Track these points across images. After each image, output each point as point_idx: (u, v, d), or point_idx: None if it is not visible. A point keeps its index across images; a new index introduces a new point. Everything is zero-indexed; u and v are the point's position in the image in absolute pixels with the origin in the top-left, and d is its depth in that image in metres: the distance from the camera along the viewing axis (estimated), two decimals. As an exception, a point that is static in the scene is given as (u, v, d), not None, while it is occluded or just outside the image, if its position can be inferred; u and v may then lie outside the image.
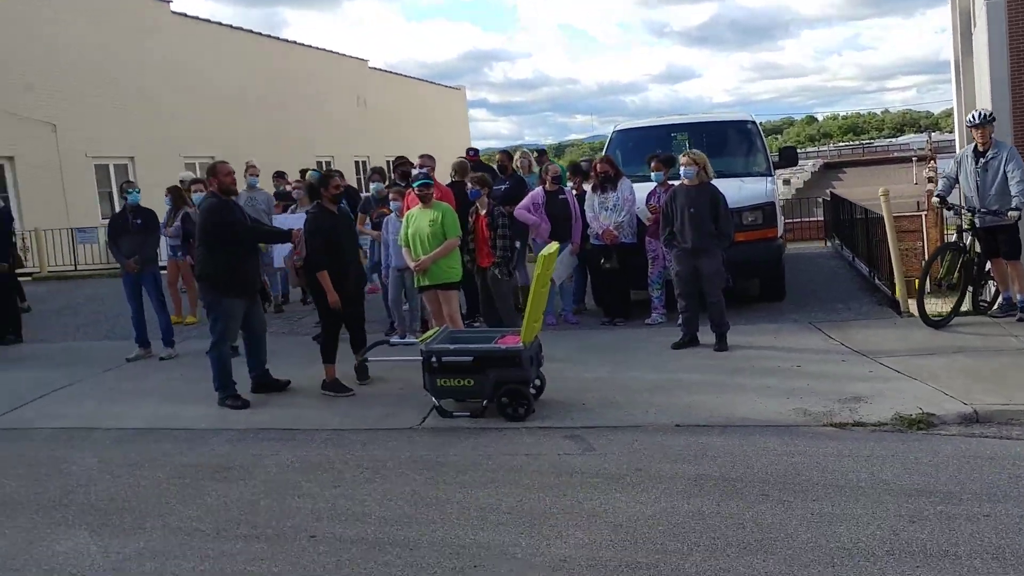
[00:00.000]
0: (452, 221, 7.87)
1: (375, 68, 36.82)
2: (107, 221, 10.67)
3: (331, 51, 33.88)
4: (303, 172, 12.75)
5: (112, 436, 6.82)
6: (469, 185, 8.35)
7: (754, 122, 11.06)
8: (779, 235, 9.84)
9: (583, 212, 9.46)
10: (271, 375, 7.77)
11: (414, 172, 9.02)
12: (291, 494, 5.21)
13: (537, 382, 6.90)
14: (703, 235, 7.82)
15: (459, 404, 6.77)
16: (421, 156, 9.68)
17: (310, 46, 32.56)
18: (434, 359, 6.64)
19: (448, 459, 5.74)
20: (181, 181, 12.55)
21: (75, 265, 18.70)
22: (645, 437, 5.91)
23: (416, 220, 7.95)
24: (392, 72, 39.42)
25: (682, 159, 8.04)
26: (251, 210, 10.23)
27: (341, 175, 7.81)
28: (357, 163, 33.13)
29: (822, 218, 17.43)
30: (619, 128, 11.40)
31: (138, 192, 9.73)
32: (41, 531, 4.85)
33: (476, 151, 12.14)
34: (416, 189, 8.05)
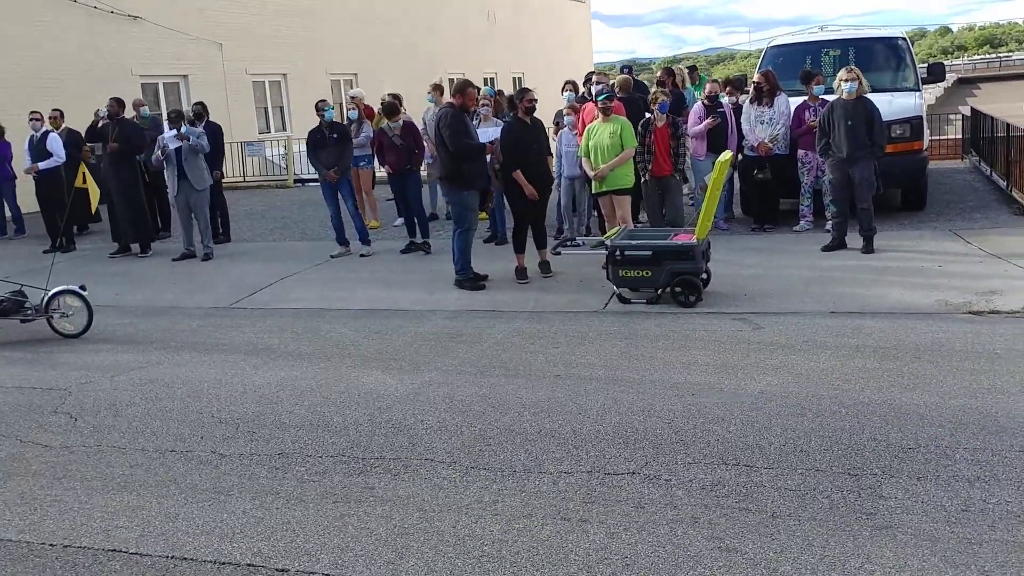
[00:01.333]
0: (630, 133, 8.88)
1: (503, -17, 37.31)
2: (262, 135, 12.03)
3: (462, -34, 34.57)
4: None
5: (346, 314, 8.19)
6: (654, 98, 9.23)
7: (904, 38, 11.61)
8: (924, 148, 10.51)
9: (738, 124, 10.33)
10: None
11: (594, 88, 10.01)
12: (522, 351, 6.48)
13: (704, 276, 7.95)
14: (858, 145, 8.65)
15: (635, 293, 7.91)
16: (596, 73, 10.66)
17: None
18: (618, 253, 7.76)
19: (638, 332, 6.89)
20: (352, 98, 13.93)
21: (243, 176, 20.44)
22: (804, 320, 6.92)
23: (597, 132, 8.98)
24: (519, -14, 39.81)
25: (844, 74, 8.81)
26: (430, 125, 11.63)
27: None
28: (485, 79, 34.02)
29: (955, 136, 17.63)
30: (773, 44, 12.11)
31: (332, 109, 11.03)
32: (343, 371, 6.24)
33: (630, 68, 13.01)
34: (599, 103, 9.08)
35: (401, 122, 11.23)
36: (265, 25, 23.23)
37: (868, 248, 8.90)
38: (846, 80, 8.71)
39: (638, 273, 7.76)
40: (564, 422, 4.90)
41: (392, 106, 11.43)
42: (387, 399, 5.52)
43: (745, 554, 3.34)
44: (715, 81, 10.98)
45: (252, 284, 9.66)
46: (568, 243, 8.72)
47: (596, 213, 10.23)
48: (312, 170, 20.24)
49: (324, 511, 3.92)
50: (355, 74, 26.98)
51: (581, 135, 9.73)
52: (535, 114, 8.85)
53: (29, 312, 7.75)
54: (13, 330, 7.83)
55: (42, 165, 12.67)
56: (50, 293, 7.68)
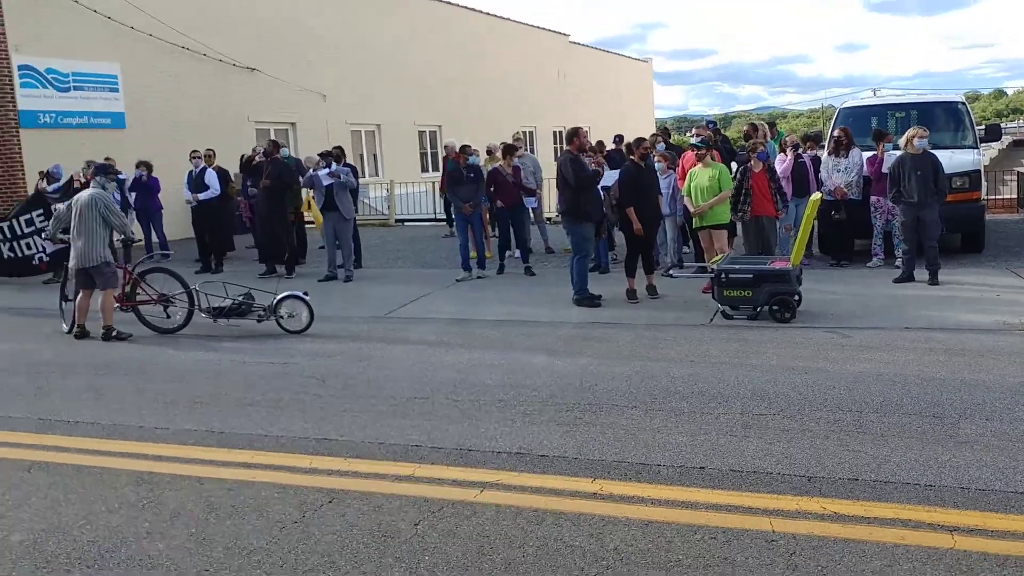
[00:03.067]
0: (727, 177, 10.49)
1: (574, 43, 39.47)
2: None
3: (535, 26, 36.76)
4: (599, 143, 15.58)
5: (487, 323, 9.76)
6: (753, 147, 10.81)
7: (963, 103, 13.16)
8: (982, 198, 11.96)
9: (817, 173, 11.90)
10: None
11: (692, 140, 11.66)
12: (654, 347, 8.01)
13: (797, 297, 9.43)
14: (926, 192, 10.15)
15: (735, 311, 9.41)
16: (698, 127, 12.31)
17: (518, 21, 35.53)
18: (723, 275, 9.30)
19: (746, 338, 8.39)
20: (446, 147, 15.86)
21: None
22: (884, 332, 8.36)
23: (697, 176, 10.59)
24: (588, 46, 41.98)
25: (918, 131, 10.35)
26: (522, 168, 13.57)
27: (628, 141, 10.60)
28: (554, 133, 36.02)
29: (1011, 195, 19.03)
30: (846, 105, 13.74)
31: (476, 155, 12.84)
32: (514, 355, 7.82)
33: (714, 122, 14.67)
34: (695, 151, 10.70)
35: (513, 163, 13.05)
36: (362, 80, 25.32)
37: (934, 280, 10.32)
38: (919, 137, 10.24)
39: (740, 293, 9.27)
40: (708, 386, 6.43)
41: (511, 147, 13.25)
42: (562, 372, 7.09)
43: (866, 453, 4.83)
44: (793, 134, 12.58)
45: (396, 301, 11.29)
46: (675, 266, 10.30)
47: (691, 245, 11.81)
48: (412, 210, 22.26)
49: (552, 429, 5.46)
50: (439, 126, 29.09)
51: (681, 180, 11.38)
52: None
53: (261, 313, 9.39)
54: (246, 327, 9.53)
55: (201, 196, 14.59)
56: (278, 297, 9.35)
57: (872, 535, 3.75)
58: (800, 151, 12.09)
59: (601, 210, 10.70)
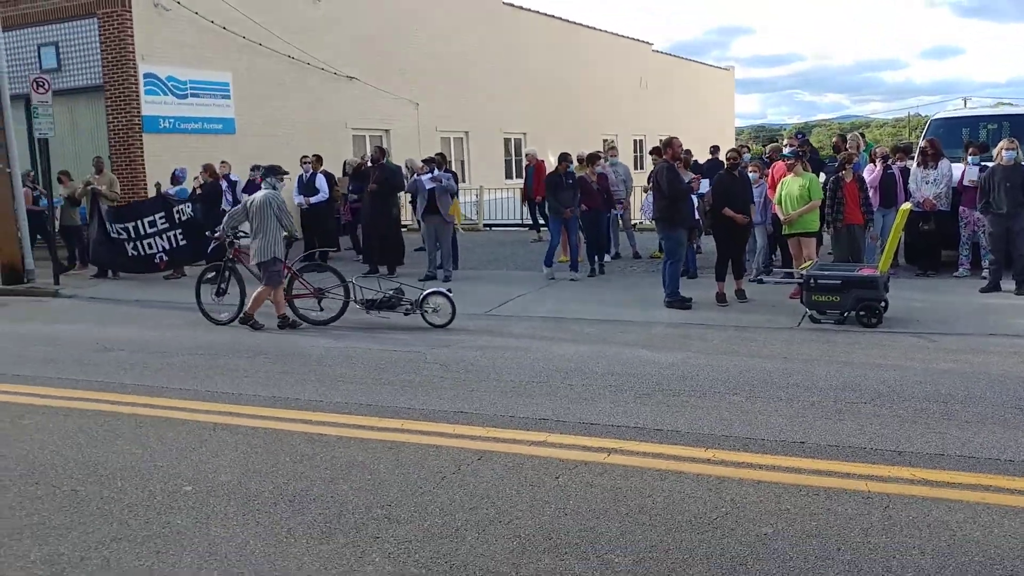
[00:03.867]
0: (816, 187, 11.00)
1: (657, 51, 39.94)
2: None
3: (618, 34, 37.33)
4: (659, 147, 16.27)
5: (584, 322, 10.40)
6: (847, 157, 11.30)
7: (1058, 114, 13.43)
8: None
9: (906, 184, 12.29)
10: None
11: (786, 150, 12.19)
12: (747, 345, 8.60)
13: (883, 303, 9.89)
14: (1015, 203, 10.52)
15: (823, 315, 9.91)
16: (789, 137, 12.84)
17: (601, 30, 36.12)
18: (812, 281, 9.82)
19: (834, 340, 8.91)
20: (527, 155, 16.60)
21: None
22: (970, 338, 8.78)
23: (788, 185, 11.12)
24: (670, 54, 42.37)
25: (1007, 144, 10.72)
26: (614, 176, 14.30)
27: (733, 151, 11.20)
28: (635, 141, 36.53)
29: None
30: (936, 117, 14.10)
31: (574, 164, 13.58)
32: (616, 349, 8.50)
33: (803, 133, 15.12)
34: (786, 161, 11.24)
35: (598, 170, 13.79)
36: (452, 88, 26.23)
37: (1020, 291, 10.66)
38: (1008, 149, 10.62)
39: (828, 298, 9.77)
40: (802, 379, 7.02)
41: (594, 155, 14.01)
42: (664, 363, 7.75)
43: (951, 435, 5.39)
44: (881, 145, 12.99)
45: (495, 300, 12.02)
46: (766, 271, 10.85)
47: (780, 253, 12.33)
48: (498, 216, 23.07)
49: (663, 410, 6.12)
50: (524, 133, 29.91)
51: (771, 189, 11.91)
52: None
53: (409, 307, 10.16)
54: (373, 322, 10.41)
55: (313, 200, 15.59)
56: (425, 293, 10.14)
57: (957, 496, 4.34)
58: (889, 162, 12.51)
59: (693, 217, 11.30)
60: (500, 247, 18.19)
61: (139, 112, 17.97)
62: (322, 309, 10.47)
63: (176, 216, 14.85)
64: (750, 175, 12.22)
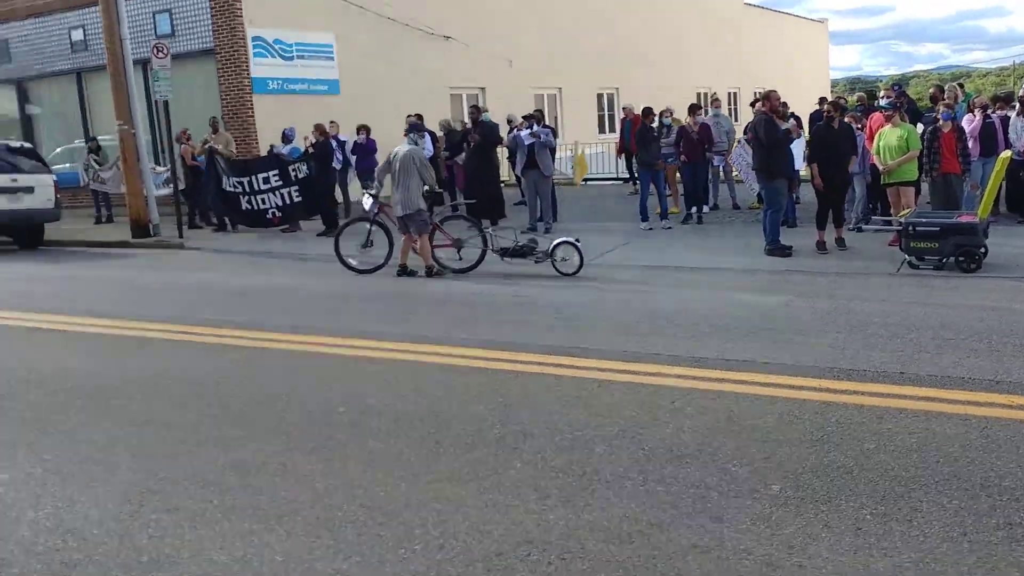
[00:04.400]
0: (915, 137, 11.07)
1: (749, 4, 39.30)
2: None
3: (713, -12, 36.87)
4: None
5: (685, 269, 10.73)
6: (941, 109, 11.38)
7: None
8: None
9: (1006, 134, 12.22)
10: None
11: (883, 101, 12.25)
12: (848, 288, 8.87)
13: (983, 249, 9.99)
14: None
15: (921, 262, 10.07)
16: (886, 89, 12.86)
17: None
18: (911, 228, 9.97)
19: (932, 285, 9.09)
20: (624, 109, 16.86)
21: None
22: (1073, 283, 8.90)
23: (886, 136, 11.21)
24: (762, 7, 41.60)
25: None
26: (716, 127, 14.51)
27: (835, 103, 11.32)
28: (729, 94, 36.15)
29: None
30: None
31: (668, 116, 13.87)
32: (722, 293, 8.88)
33: (900, 85, 15.03)
34: (884, 112, 11.33)
35: (700, 122, 14.05)
36: (544, 45, 26.46)
37: (1126, 237, 10.61)
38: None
39: (927, 245, 9.93)
40: (901, 319, 7.31)
41: (695, 106, 14.31)
42: (767, 306, 8.11)
43: (1050, 369, 5.67)
44: (981, 94, 12.89)
45: (597, 249, 12.34)
46: (864, 219, 11.03)
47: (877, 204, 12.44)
48: (592, 170, 23.36)
49: (769, 345, 6.51)
50: (616, 88, 30.02)
51: (869, 140, 12.00)
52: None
53: (540, 255, 10.63)
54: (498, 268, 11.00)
55: (414, 157, 16.22)
56: (555, 242, 10.58)
57: (1055, 419, 4.67)
58: (989, 111, 12.43)
59: (792, 167, 11.50)
60: (597, 200, 18.56)
61: (249, 74, 18.83)
62: (461, 258, 11.00)
63: (292, 174, 15.56)
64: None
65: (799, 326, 7.20)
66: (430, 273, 10.79)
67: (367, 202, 11.34)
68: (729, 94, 35.93)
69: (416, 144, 10.97)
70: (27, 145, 17.55)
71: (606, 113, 30.04)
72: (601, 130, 29.21)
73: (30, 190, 15.99)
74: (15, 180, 15.85)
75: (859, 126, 12.05)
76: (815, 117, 14.34)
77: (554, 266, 10.52)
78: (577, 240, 10.63)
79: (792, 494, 3.93)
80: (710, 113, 15.79)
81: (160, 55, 15.72)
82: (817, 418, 4.89)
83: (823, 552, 3.42)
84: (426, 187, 10.78)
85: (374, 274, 10.94)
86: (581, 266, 10.41)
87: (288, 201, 15.72)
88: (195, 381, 6.27)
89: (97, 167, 19.08)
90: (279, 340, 7.43)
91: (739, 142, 14.05)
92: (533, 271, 10.58)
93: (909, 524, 3.61)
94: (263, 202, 15.95)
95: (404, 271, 10.86)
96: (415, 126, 11.41)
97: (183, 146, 17.12)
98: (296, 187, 15.57)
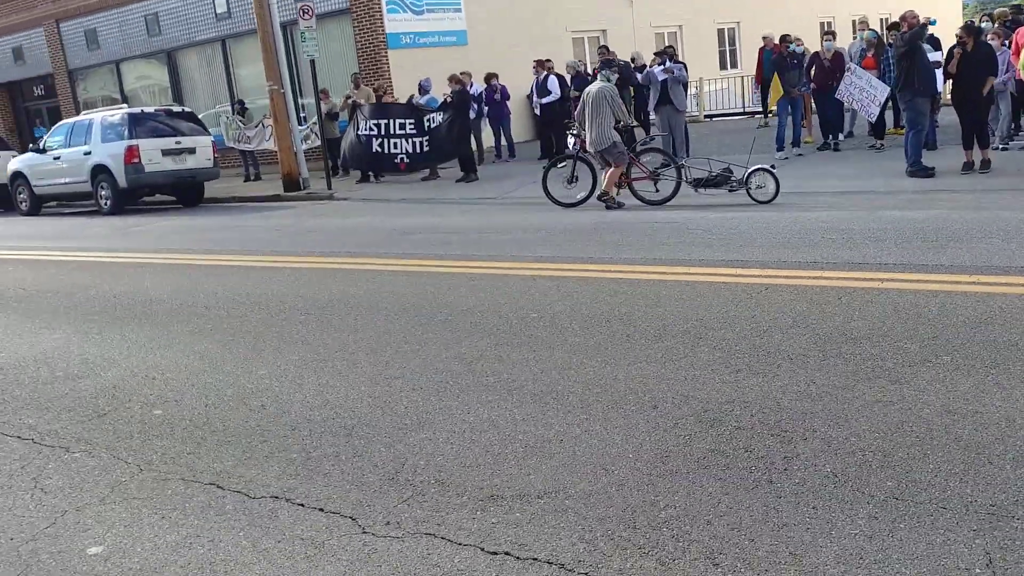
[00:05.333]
0: (1065, 48, 10.98)
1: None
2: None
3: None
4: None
5: (825, 195, 10.93)
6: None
7: None
8: None
9: None
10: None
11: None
12: (996, 202, 9.03)
13: None
14: None
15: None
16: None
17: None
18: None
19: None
20: (764, 38, 16.86)
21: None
22: None
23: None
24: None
25: None
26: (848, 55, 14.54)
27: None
28: (853, 21, 35.07)
29: None
30: None
31: (799, 43, 13.98)
32: (875, 212, 9.17)
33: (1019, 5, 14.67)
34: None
35: (833, 50, 14.09)
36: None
37: None
38: None
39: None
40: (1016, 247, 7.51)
41: (831, 33, 14.35)
42: (916, 220, 8.39)
43: None
44: None
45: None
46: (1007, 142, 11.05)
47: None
48: (717, 106, 23.41)
49: (925, 251, 6.85)
50: (737, 22, 29.69)
51: (1015, 56, 11.89)
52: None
53: (734, 184, 10.67)
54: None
55: (544, 100, 16.75)
56: (749, 170, 10.55)
57: None
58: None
59: (935, 86, 11.54)
60: (726, 135, 18.71)
61: (383, 30, 19.66)
62: (657, 190, 11.18)
63: (426, 124, 16.30)
64: (991, 43, 12.23)
65: (952, 234, 7.49)
66: (606, 201, 11.01)
67: (570, 140, 11.81)
68: (852, 21, 34.85)
69: (609, 80, 11.30)
70: (187, 109, 18.87)
71: (727, 48, 29.77)
72: (723, 66, 28.99)
73: (192, 151, 17.30)
74: (179, 142, 17.17)
75: (1006, 41, 11.93)
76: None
77: (748, 193, 10.49)
78: (772, 167, 10.70)
79: (962, 363, 4.39)
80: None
81: (306, 16, 16.65)
82: (979, 305, 5.29)
83: (996, 403, 3.88)
84: (621, 123, 11.15)
85: (603, 206, 11.13)
86: (777, 193, 10.35)
87: (419, 150, 16.42)
88: (396, 298, 7.07)
89: (243, 127, 20.32)
90: (458, 266, 8.18)
91: (849, 69, 13.87)
92: (727, 200, 10.71)
93: (1076, 382, 4.03)
94: (395, 147, 16.63)
95: (604, 197, 11.14)
96: (607, 62, 11.86)
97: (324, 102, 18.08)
98: (427, 136, 16.25)
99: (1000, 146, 12.08)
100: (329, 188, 17.06)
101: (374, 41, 19.76)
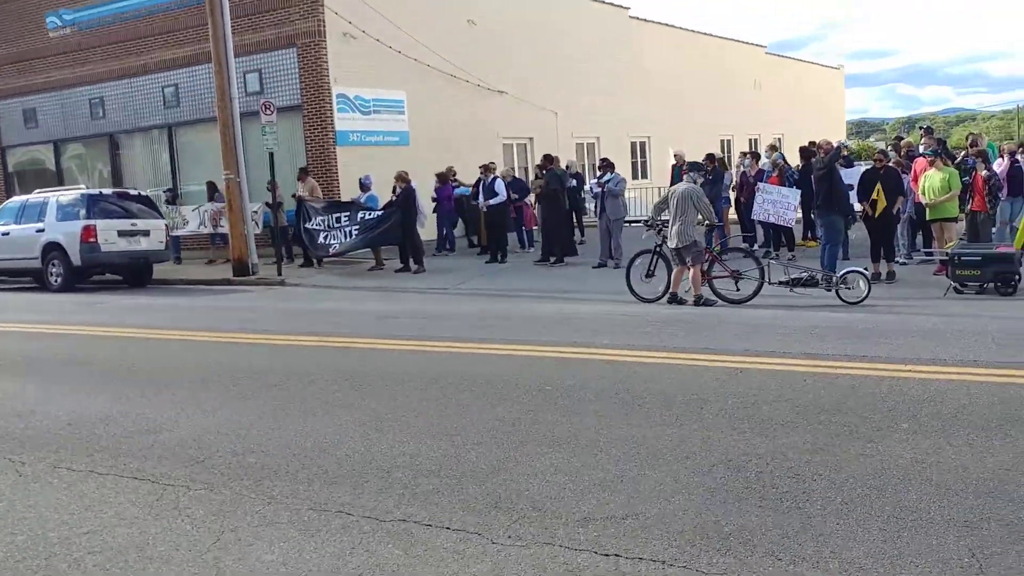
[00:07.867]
0: (956, 179, 12.87)
1: (770, 53, 41.47)
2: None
3: (733, 39, 39.06)
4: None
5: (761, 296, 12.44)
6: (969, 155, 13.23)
7: None
8: None
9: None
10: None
11: (922, 148, 14.09)
12: (904, 307, 10.56)
13: (1018, 276, 11.69)
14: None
15: (964, 288, 11.77)
16: (927, 137, 14.71)
17: (719, 36, 37.89)
18: (956, 258, 11.71)
19: (976, 303, 10.80)
20: (676, 156, 18.69)
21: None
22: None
23: (930, 178, 13.00)
24: (782, 56, 43.80)
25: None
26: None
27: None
28: (750, 140, 38.07)
29: None
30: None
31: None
32: (796, 312, 10.57)
33: (931, 128, 16.87)
34: (927, 158, 13.14)
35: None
36: (585, 96, 28.35)
37: None
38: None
39: (971, 272, 11.67)
40: (963, 326, 9.00)
41: (754, 153, 16.26)
42: (845, 320, 9.79)
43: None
44: (1011, 142, 14.70)
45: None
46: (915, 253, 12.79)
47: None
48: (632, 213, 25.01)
49: (850, 343, 8.18)
50: (648, 137, 32.02)
51: (913, 182, 13.80)
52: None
53: (829, 284, 11.12)
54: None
55: (491, 201, 18.04)
56: (844, 271, 11.24)
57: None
58: (1016, 156, 14.24)
59: (849, 205, 13.28)
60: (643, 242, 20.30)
61: (333, 128, 20.77)
62: (738, 289, 11.56)
63: (360, 215, 17.31)
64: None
65: (879, 333, 8.92)
66: (698, 302, 11.36)
67: (647, 235, 12.46)
68: (750, 140, 37.83)
69: (695, 183, 11.83)
70: (142, 193, 19.43)
71: (639, 160, 31.97)
72: (635, 176, 31.04)
73: (146, 233, 17.86)
74: (135, 224, 17.72)
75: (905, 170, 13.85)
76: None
77: (837, 294, 11.01)
78: (866, 269, 11.74)
79: (918, 429, 5.60)
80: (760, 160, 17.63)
81: (268, 112, 17.64)
82: (919, 387, 6.60)
83: (950, 456, 5.07)
84: (705, 222, 11.84)
85: (670, 303, 11.66)
86: (867, 295, 10.84)
87: (347, 238, 17.40)
88: (419, 371, 7.97)
89: (179, 213, 21.00)
90: (445, 347, 9.15)
91: (758, 188, 15.34)
92: (796, 301, 11.31)
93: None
94: (332, 238, 17.67)
95: (674, 299, 11.64)
96: (695, 165, 12.74)
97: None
98: (357, 227, 17.26)
99: (903, 261, 13.86)
100: (279, 274, 17.79)
101: (323, 137, 20.81)
